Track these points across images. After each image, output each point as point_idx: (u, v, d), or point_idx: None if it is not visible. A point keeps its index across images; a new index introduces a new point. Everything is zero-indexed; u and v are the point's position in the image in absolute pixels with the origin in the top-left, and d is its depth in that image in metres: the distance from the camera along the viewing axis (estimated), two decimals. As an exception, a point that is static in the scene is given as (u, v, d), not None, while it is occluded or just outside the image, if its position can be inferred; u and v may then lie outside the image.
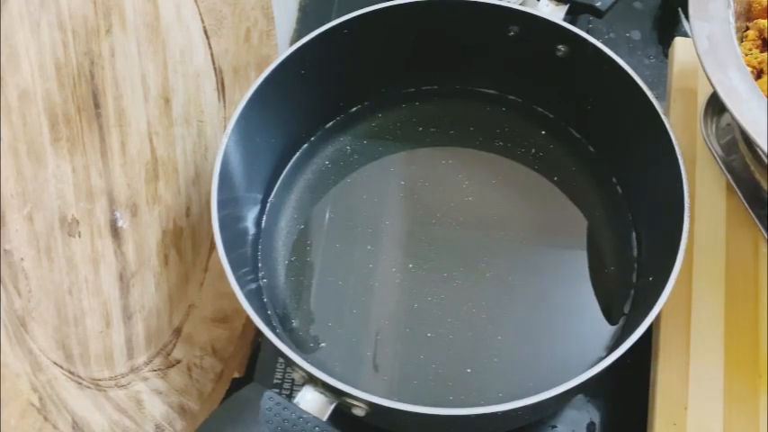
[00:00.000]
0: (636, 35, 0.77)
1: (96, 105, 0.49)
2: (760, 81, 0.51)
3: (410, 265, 0.60)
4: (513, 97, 0.67)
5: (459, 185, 0.63)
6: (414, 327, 0.58)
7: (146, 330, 0.55)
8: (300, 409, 0.48)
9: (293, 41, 0.67)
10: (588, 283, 0.59)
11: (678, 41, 0.66)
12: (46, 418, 0.45)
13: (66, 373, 0.48)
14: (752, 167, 0.58)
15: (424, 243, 0.61)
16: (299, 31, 0.80)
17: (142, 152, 0.53)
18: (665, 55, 0.74)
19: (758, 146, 0.47)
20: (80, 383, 0.49)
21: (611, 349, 0.55)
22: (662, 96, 0.65)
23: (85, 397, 0.49)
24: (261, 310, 0.56)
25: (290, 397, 0.56)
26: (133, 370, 0.54)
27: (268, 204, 0.63)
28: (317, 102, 0.64)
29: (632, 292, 0.58)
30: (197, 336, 0.59)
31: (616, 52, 0.59)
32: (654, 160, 0.57)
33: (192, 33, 0.57)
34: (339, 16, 0.61)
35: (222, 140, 0.55)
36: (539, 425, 0.59)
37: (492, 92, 0.67)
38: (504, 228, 0.61)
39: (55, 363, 0.47)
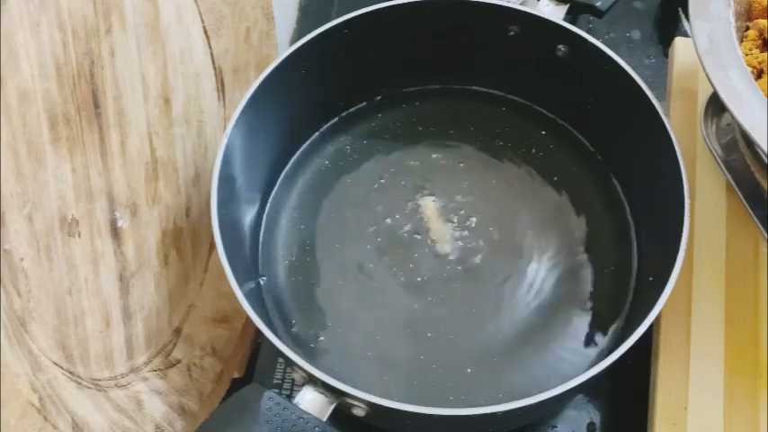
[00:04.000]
0: (636, 35, 0.77)
1: (96, 105, 0.49)
2: (760, 81, 0.51)
3: (410, 265, 0.60)
4: (513, 97, 0.67)
5: (459, 185, 0.63)
6: (414, 327, 0.58)
7: (146, 330, 0.55)
8: (300, 409, 0.48)
9: (293, 41, 0.67)
10: (588, 283, 0.59)
11: (678, 41, 0.66)
12: (46, 418, 0.45)
13: (66, 374, 0.48)
14: (752, 167, 0.58)
15: (424, 243, 0.61)
16: (299, 31, 0.79)
17: (142, 152, 0.53)
18: (665, 55, 0.74)
19: (758, 146, 0.47)
20: (80, 383, 0.49)
21: (611, 349, 0.55)
22: (662, 96, 0.65)
23: (85, 397, 0.49)
24: (261, 310, 0.56)
25: (290, 397, 0.56)
26: (133, 370, 0.54)
27: (268, 204, 0.63)
28: (316, 102, 0.64)
29: (632, 292, 0.58)
30: (197, 336, 0.59)
31: (616, 52, 0.59)
32: (654, 160, 0.57)
33: (191, 33, 0.57)
34: (339, 16, 0.61)
35: (222, 140, 0.55)
36: (539, 425, 0.59)
37: (492, 92, 0.67)
38: (505, 228, 0.61)
39: (55, 363, 0.47)
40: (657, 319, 0.55)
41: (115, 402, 0.52)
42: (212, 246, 0.58)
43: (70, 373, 0.48)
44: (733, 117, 0.48)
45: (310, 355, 0.56)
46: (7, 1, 0.41)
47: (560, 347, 0.57)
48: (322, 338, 0.57)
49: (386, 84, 0.66)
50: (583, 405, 0.59)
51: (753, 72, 0.51)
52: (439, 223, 0.61)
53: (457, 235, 0.61)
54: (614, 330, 0.57)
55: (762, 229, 0.58)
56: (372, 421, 0.52)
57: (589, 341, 0.57)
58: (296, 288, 0.60)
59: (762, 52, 0.53)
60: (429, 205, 0.62)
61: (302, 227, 0.62)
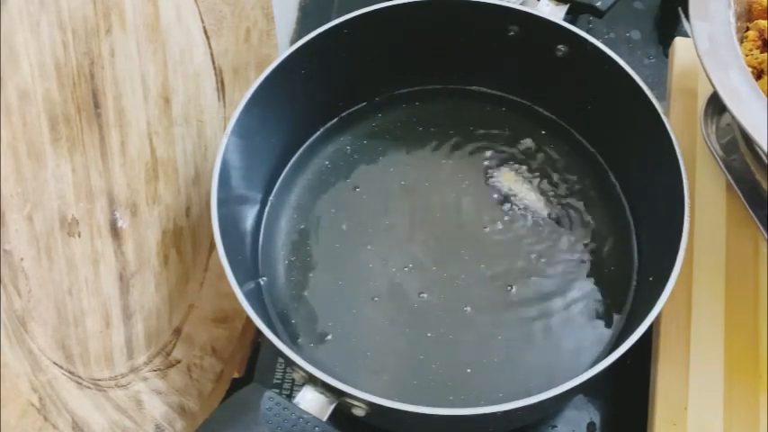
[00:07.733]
0: (636, 35, 0.77)
1: (96, 105, 0.49)
2: (760, 81, 0.51)
3: (410, 265, 0.60)
4: (513, 97, 0.67)
5: (459, 185, 0.63)
6: (414, 327, 0.57)
7: (146, 330, 0.55)
8: (300, 409, 0.48)
9: (293, 41, 0.67)
10: (588, 283, 0.59)
11: (678, 41, 0.66)
12: (46, 418, 0.45)
13: (66, 373, 0.48)
14: (752, 167, 0.58)
15: (424, 243, 0.61)
16: (299, 31, 0.80)
17: (142, 152, 0.53)
18: (665, 55, 0.74)
19: (758, 145, 0.47)
20: (80, 383, 0.49)
21: (611, 349, 0.55)
22: (662, 96, 0.65)
23: (85, 397, 0.49)
24: (261, 310, 0.56)
25: (290, 397, 0.56)
26: (133, 370, 0.54)
27: (268, 204, 0.63)
28: (317, 101, 0.64)
29: (632, 291, 0.58)
30: (197, 336, 0.59)
31: (616, 52, 0.59)
32: (654, 160, 0.57)
33: (192, 33, 0.57)
34: (339, 16, 0.61)
35: (222, 140, 0.55)
36: (539, 425, 0.59)
37: (492, 92, 0.67)
38: (504, 227, 0.61)
39: (55, 363, 0.47)
40: (657, 319, 0.55)
41: (115, 402, 0.52)
42: (212, 246, 0.58)
43: (70, 373, 0.48)
44: (733, 117, 0.48)
45: (310, 355, 0.56)
46: (7, 1, 0.41)
47: (560, 347, 0.57)
48: (322, 338, 0.57)
49: (386, 84, 0.66)
50: (583, 405, 0.59)
51: (753, 73, 0.51)
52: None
53: (456, 235, 0.61)
54: (614, 330, 0.57)
55: (762, 229, 0.58)
56: (372, 421, 0.52)
57: (589, 341, 0.57)
58: (296, 288, 0.59)
59: (762, 53, 0.53)
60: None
61: (302, 227, 0.62)
